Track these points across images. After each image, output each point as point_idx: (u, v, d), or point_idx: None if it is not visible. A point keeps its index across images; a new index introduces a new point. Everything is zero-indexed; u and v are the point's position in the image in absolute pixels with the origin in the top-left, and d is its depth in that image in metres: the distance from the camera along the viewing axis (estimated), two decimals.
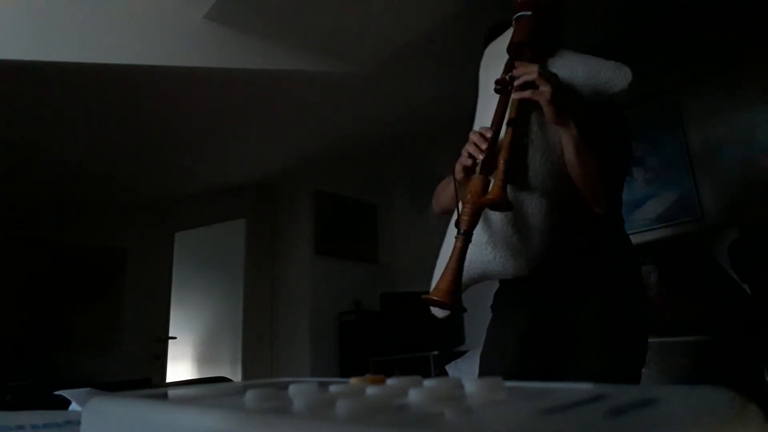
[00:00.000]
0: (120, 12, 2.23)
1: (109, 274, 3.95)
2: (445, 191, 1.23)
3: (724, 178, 2.45)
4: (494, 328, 1.26)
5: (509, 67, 1.08)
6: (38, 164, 3.10)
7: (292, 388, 0.28)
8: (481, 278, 1.08)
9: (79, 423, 0.31)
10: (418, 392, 0.25)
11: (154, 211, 4.12)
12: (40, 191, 3.48)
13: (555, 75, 1.05)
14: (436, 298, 0.92)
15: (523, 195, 1.04)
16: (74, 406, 0.66)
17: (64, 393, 0.69)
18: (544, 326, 1.16)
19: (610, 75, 1.13)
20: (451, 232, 1.09)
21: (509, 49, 1.11)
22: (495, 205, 0.96)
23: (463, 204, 0.97)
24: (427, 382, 0.27)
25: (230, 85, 2.62)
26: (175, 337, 4.22)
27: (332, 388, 0.27)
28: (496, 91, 1.06)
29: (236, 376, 3.90)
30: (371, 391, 0.26)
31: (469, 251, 0.96)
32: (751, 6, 2.41)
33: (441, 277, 0.94)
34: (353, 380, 0.31)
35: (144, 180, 3.68)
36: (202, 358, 4.89)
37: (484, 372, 1.23)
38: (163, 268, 4.20)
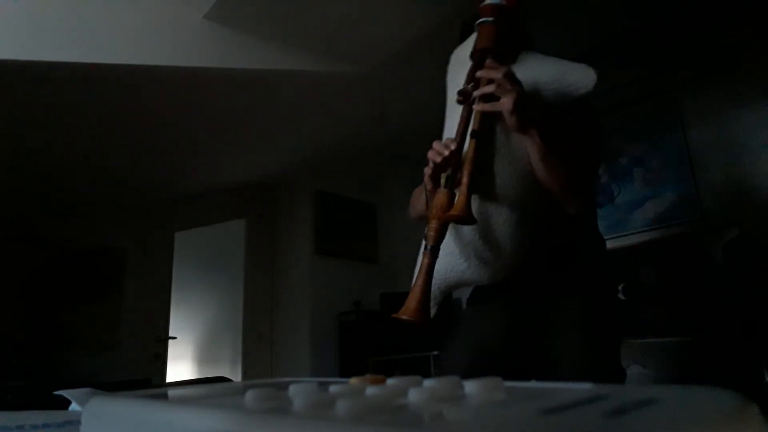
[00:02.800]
0: (120, 12, 2.23)
1: (109, 274, 3.95)
2: (419, 199, 1.23)
3: (724, 178, 2.44)
4: (470, 321, 1.25)
5: (472, 75, 1.06)
6: (38, 164, 3.10)
7: (292, 388, 0.28)
8: (458, 285, 1.09)
9: (79, 423, 0.31)
10: (418, 392, 0.25)
11: (154, 211, 4.12)
12: (40, 191, 3.48)
13: (519, 83, 1.03)
14: (405, 317, 0.93)
15: (491, 205, 1.04)
16: (74, 406, 0.66)
17: (64, 393, 0.69)
18: (521, 325, 1.16)
19: (575, 77, 1.12)
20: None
21: (472, 56, 1.09)
22: (459, 220, 0.96)
23: (429, 219, 0.98)
24: (427, 382, 0.27)
25: (230, 85, 2.62)
26: (175, 337, 4.22)
27: (332, 388, 0.27)
28: (459, 102, 1.05)
29: (236, 376, 3.90)
30: (371, 391, 0.26)
31: (443, 261, 0.97)
32: (751, 6, 2.41)
33: (410, 296, 0.95)
34: (353, 380, 0.31)
35: (144, 180, 3.68)
36: (202, 358, 4.89)
37: (453, 364, 1.23)
38: (163, 268, 4.20)
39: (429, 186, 1.06)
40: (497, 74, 1.00)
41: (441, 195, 0.98)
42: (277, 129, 3.25)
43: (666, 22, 2.68)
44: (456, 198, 0.97)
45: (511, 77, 1.01)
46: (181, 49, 2.33)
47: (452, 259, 1.04)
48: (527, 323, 1.15)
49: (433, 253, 0.95)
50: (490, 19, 1.09)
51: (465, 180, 0.97)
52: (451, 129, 1.11)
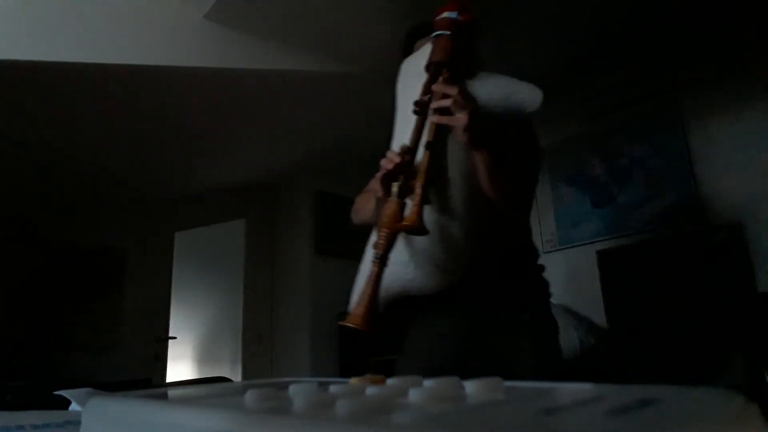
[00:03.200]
0: (120, 12, 2.23)
1: (109, 274, 3.95)
2: (364, 207, 1.24)
3: (724, 178, 2.45)
4: (415, 332, 1.26)
5: (428, 87, 1.07)
6: (38, 164, 3.10)
7: (292, 388, 0.28)
8: (400, 295, 1.10)
9: (79, 423, 0.32)
10: (418, 392, 0.25)
11: (154, 211, 4.12)
12: (40, 191, 3.48)
13: (474, 99, 1.05)
14: (351, 325, 0.93)
15: (443, 215, 1.05)
16: (74, 406, 0.66)
17: (64, 393, 0.69)
18: (466, 333, 1.17)
19: (524, 96, 1.15)
20: (371, 245, 1.11)
21: (428, 68, 1.10)
22: (412, 231, 0.97)
23: (379, 228, 0.98)
24: (427, 382, 0.27)
25: (230, 85, 2.62)
26: (175, 337, 4.22)
27: (332, 388, 0.27)
28: (415, 112, 1.06)
29: (236, 376, 3.90)
30: (371, 391, 0.26)
31: (390, 270, 0.97)
32: (751, 6, 2.41)
33: (357, 303, 0.95)
34: (353, 380, 0.31)
35: (144, 180, 3.68)
36: (202, 358, 4.89)
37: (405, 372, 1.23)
38: (163, 268, 4.20)
39: (380, 193, 1.06)
40: (452, 90, 1.02)
41: (392, 204, 0.99)
42: (277, 129, 3.25)
43: (666, 22, 2.68)
44: (407, 208, 0.98)
45: (465, 94, 1.03)
46: (181, 49, 2.33)
47: (399, 269, 1.05)
48: (471, 331, 1.16)
49: (382, 261, 0.95)
50: (447, 32, 1.11)
51: (418, 191, 0.98)
52: (401, 138, 1.13)
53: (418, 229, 0.96)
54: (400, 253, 1.02)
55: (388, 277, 0.98)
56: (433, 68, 1.09)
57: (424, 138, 1.04)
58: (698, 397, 0.22)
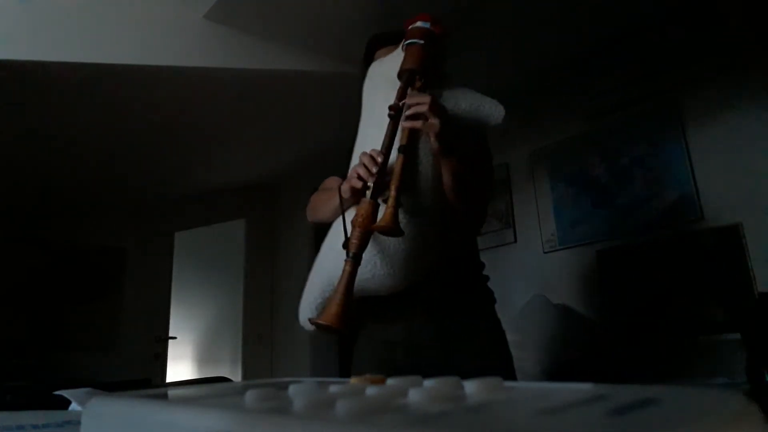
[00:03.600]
0: (120, 12, 2.23)
1: (109, 274, 3.95)
2: (325, 204, 1.25)
3: (724, 178, 2.44)
4: (363, 343, 1.28)
5: (402, 93, 1.10)
6: (38, 164, 3.10)
7: (292, 388, 0.28)
8: (356, 294, 1.09)
9: (79, 423, 0.31)
10: (418, 392, 0.25)
11: (154, 211, 4.12)
12: (40, 191, 3.48)
13: (444, 108, 1.09)
14: (325, 323, 0.92)
15: (411, 217, 1.07)
16: (74, 406, 0.66)
17: (64, 393, 0.69)
18: (415, 341, 1.18)
19: (488, 110, 1.19)
20: (330, 246, 1.13)
21: (400, 75, 1.13)
22: (387, 232, 0.98)
23: (353, 227, 0.99)
24: (427, 382, 0.27)
25: (230, 85, 2.62)
26: (175, 337, 4.22)
27: (332, 388, 0.27)
28: (390, 116, 1.08)
29: (236, 376, 3.90)
30: (371, 391, 0.26)
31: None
32: (751, 6, 2.41)
33: (330, 301, 0.94)
34: (353, 380, 0.31)
35: (144, 180, 3.68)
36: (202, 358, 4.89)
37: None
38: (163, 268, 4.20)
39: (347, 195, 1.08)
40: (425, 99, 1.05)
41: (366, 204, 1.00)
42: (277, 129, 3.25)
43: (666, 22, 2.68)
44: (381, 209, 0.99)
45: (437, 103, 1.06)
46: (181, 49, 2.33)
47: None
48: (423, 338, 1.18)
49: (356, 260, 0.96)
50: (420, 41, 1.13)
51: (393, 193, 0.99)
52: (365, 141, 1.17)
53: (393, 230, 0.96)
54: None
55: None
56: (406, 75, 1.11)
57: (398, 142, 1.06)
58: (698, 397, 0.22)
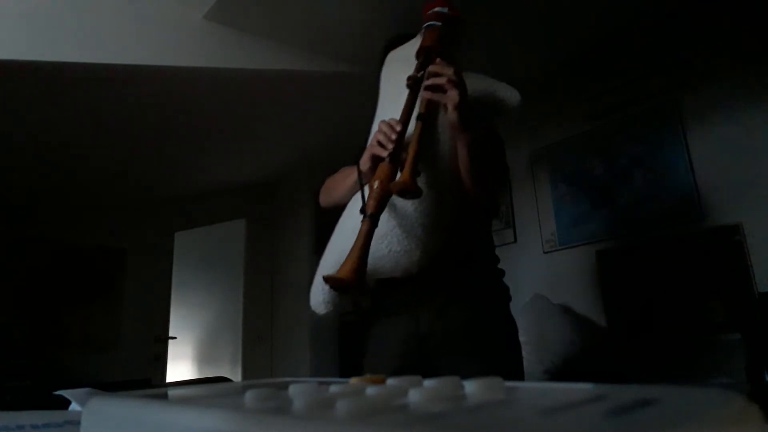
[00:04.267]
0: (120, 12, 2.23)
1: (109, 274, 3.95)
2: (341, 183, 1.23)
3: (724, 178, 2.44)
4: (377, 336, 1.25)
5: (420, 67, 1.10)
6: (38, 164, 3.10)
7: (292, 388, 0.28)
8: (370, 275, 1.07)
9: (79, 423, 0.31)
10: (418, 392, 0.25)
11: (154, 211, 4.12)
12: (41, 191, 3.48)
13: (464, 82, 1.08)
14: (340, 277, 0.88)
15: (429, 191, 1.04)
16: (74, 406, 0.66)
17: (64, 393, 0.69)
18: (428, 332, 1.16)
19: (504, 94, 1.20)
20: (346, 220, 1.11)
21: (418, 54, 1.14)
22: (405, 192, 0.94)
23: (370, 189, 0.96)
24: (427, 382, 0.27)
25: (230, 85, 2.62)
26: (175, 337, 4.22)
27: (332, 388, 0.27)
28: (408, 86, 1.08)
29: (236, 376, 3.90)
30: (371, 391, 0.25)
31: None
32: (751, 5, 2.41)
33: (347, 258, 0.90)
34: (353, 380, 0.31)
35: (144, 180, 3.68)
36: (202, 358, 4.89)
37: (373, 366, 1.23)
38: (163, 268, 4.20)
39: (366, 167, 1.07)
40: (448, 70, 1.04)
41: (385, 167, 0.98)
42: (277, 129, 3.25)
43: (666, 22, 2.68)
44: (400, 173, 0.96)
45: (458, 75, 1.05)
46: (180, 49, 2.33)
47: (372, 243, 1.01)
48: (433, 331, 1.16)
49: (373, 220, 0.92)
50: (438, 23, 1.15)
51: (411, 156, 0.97)
52: (384, 115, 1.15)
53: (411, 189, 0.93)
54: (380, 226, 0.99)
55: None
56: (424, 53, 1.12)
57: (417, 111, 1.05)
58: (698, 397, 0.22)
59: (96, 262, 3.91)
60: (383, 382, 0.29)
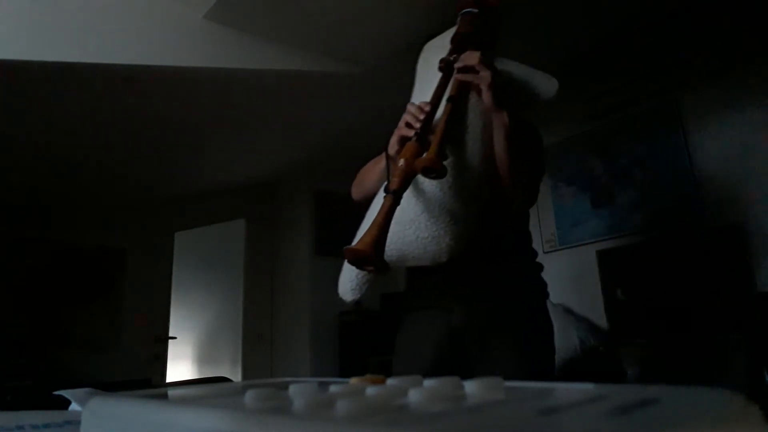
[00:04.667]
0: (120, 12, 2.23)
1: (109, 274, 3.95)
2: (371, 172, 1.21)
3: (724, 178, 2.45)
4: (409, 330, 1.22)
5: (452, 51, 1.10)
6: (38, 164, 3.10)
7: (292, 388, 0.28)
8: (398, 262, 1.06)
9: (79, 423, 0.31)
10: (418, 392, 0.25)
11: (154, 211, 4.12)
12: (41, 191, 3.48)
13: (495, 68, 1.07)
14: (359, 248, 0.85)
15: (458, 177, 1.02)
16: (74, 406, 0.66)
17: (64, 393, 0.69)
18: (461, 327, 1.14)
19: (541, 83, 1.19)
20: (375, 207, 1.05)
21: (453, 40, 1.13)
22: (430, 170, 0.91)
23: (394, 167, 0.93)
24: (427, 382, 0.27)
25: (230, 85, 2.62)
26: (175, 337, 4.22)
27: (332, 388, 0.27)
28: (440, 69, 1.07)
29: (236, 376, 3.90)
30: (371, 391, 0.25)
31: (390, 231, 0.89)
32: (751, 5, 2.41)
33: (366, 232, 0.87)
34: (353, 380, 0.31)
35: (144, 180, 3.68)
36: (202, 358, 4.89)
37: (403, 366, 1.20)
38: (163, 268, 4.20)
39: (394, 150, 1.04)
40: (474, 54, 1.04)
41: (411, 145, 0.96)
42: (277, 129, 3.25)
43: (666, 22, 2.68)
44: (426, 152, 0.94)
45: (487, 57, 1.05)
46: (181, 49, 2.33)
47: (399, 229, 0.99)
48: (465, 326, 1.13)
49: (396, 196, 0.89)
50: (475, 10, 1.14)
51: (438, 138, 0.95)
52: (417, 99, 1.13)
53: (436, 166, 0.89)
54: (404, 211, 0.95)
55: (389, 237, 0.90)
56: (458, 39, 1.12)
57: (447, 93, 1.04)
58: (698, 397, 0.22)
59: (96, 262, 3.91)
60: (383, 382, 0.29)
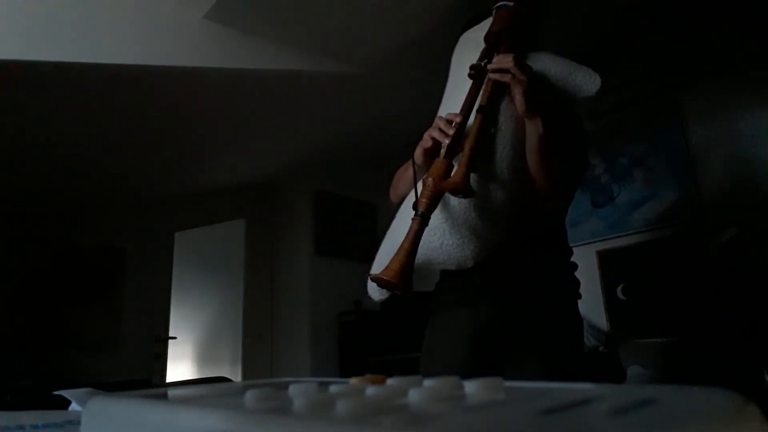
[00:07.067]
0: (119, 12, 2.23)
1: (109, 274, 3.95)
2: (403, 177, 1.19)
3: (724, 178, 2.45)
4: (436, 328, 1.21)
5: (485, 54, 1.05)
6: (38, 164, 3.10)
7: (292, 388, 0.28)
8: (424, 266, 1.05)
9: (79, 423, 0.32)
10: (418, 392, 0.25)
11: (154, 211, 4.12)
12: (41, 191, 3.48)
13: (530, 68, 1.04)
14: (385, 278, 0.86)
15: (484, 184, 1.01)
16: (74, 406, 0.66)
17: (64, 393, 0.69)
18: (488, 327, 1.12)
19: (581, 79, 1.13)
20: (403, 213, 1.07)
21: (487, 38, 1.09)
22: (456, 191, 0.92)
23: (423, 186, 0.94)
24: (427, 382, 0.27)
25: (230, 85, 2.62)
26: (175, 337, 4.22)
27: (332, 388, 0.27)
28: (470, 76, 1.04)
29: (236, 376, 3.90)
30: (371, 391, 0.25)
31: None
32: (751, 5, 2.41)
33: (393, 258, 0.89)
34: (353, 380, 0.31)
35: (144, 180, 3.68)
36: (202, 358, 4.89)
37: (429, 364, 1.19)
38: (163, 268, 4.20)
39: (420, 160, 1.03)
40: (508, 57, 1.00)
41: (439, 163, 0.95)
42: (277, 129, 3.25)
43: (666, 22, 2.68)
44: (455, 169, 0.94)
45: (521, 60, 1.01)
46: (181, 49, 2.33)
47: (425, 235, 0.98)
48: (494, 325, 1.12)
49: (423, 219, 0.91)
50: (510, 4, 1.09)
51: (467, 153, 0.94)
52: (451, 104, 1.10)
53: (463, 189, 0.90)
54: (431, 217, 0.96)
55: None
56: (492, 38, 1.07)
57: (477, 103, 1.01)
58: (698, 397, 0.22)
59: (96, 262, 3.91)
60: (383, 382, 0.29)
